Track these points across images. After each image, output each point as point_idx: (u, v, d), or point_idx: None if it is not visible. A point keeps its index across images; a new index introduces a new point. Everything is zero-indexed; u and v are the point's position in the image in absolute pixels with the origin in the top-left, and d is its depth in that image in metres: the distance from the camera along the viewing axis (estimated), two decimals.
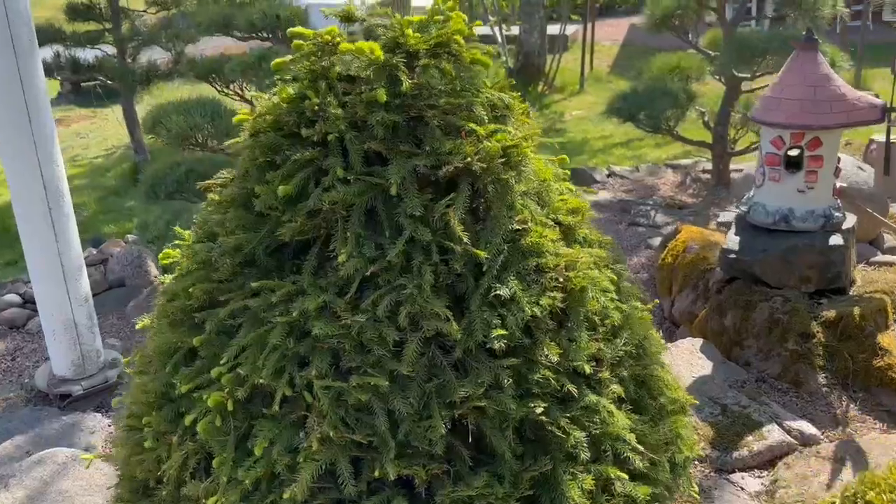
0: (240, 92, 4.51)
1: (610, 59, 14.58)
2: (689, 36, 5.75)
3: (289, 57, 1.88)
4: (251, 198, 1.77)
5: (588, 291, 1.78)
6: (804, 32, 3.27)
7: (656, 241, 5.01)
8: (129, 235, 5.34)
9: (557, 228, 1.89)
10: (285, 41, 4.48)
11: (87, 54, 8.38)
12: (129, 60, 8.40)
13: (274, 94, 1.83)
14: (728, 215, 5.34)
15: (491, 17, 12.97)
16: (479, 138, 1.74)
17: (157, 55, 8.55)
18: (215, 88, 4.59)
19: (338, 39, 1.77)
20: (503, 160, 1.75)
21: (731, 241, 3.40)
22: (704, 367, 3.16)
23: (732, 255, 3.33)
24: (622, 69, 13.44)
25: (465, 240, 1.63)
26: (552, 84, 12.14)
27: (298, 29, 1.81)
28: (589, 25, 12.73)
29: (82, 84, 11.18)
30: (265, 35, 4.48)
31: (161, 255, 2.03)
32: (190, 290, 1.79)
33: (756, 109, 3.37)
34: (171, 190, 4.39)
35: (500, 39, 12.46)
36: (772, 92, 3.27)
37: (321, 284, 1.66)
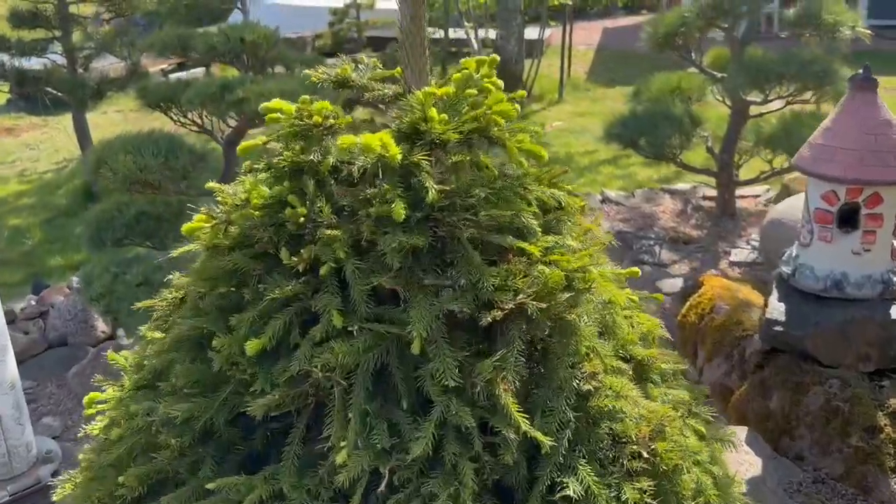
0: (199, 122, 3.94)
1: (586, 64, 14.19)
2: (692, 54, 5.30)
3: (259, 139, 1.36)
4: (206, 345, 1.25)
5: (682, 471, 1.29)
6: (860, 71, 2.82)
7: (665, 283, 4.56)
8: (74, 277, 4.73)
9: (629, 368, 1.39)
10: (252, 67, 3.93)
11: (35, 63, 7.71)
12: (81, 70, 7.74)
13: (242, 192, 1.31)
14: (740, 253, 4.91)
15: (466, 22, 12.48)
16: (532, 260, 1.24)
17: (111, 62, 7.91)
18: (170, 118, 4.01)
19: (331, 122, 1.25)
20: (566, 292, 1.25)
21: (775, 309, 2.95)
22: (753, 464, 2.71)
23: (778, 328, 2.89)
24: (599, 75, 13.07)
25: (524, 425, 1.12)
26: (531, 92, 11.70)
27: (275, 103, 1.29)
28: (567, 30, 12.28)
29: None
30: (228, 60, 3.91)
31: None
32: (121, 477, 1.25)
33: (802, 158, 2.92)
34: (118, 236, 3.81)
35: (475, 45, 11.97)
36: (823, 138, 2.83)
37: (308, 486, 1.14)
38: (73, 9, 7.73)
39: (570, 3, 11.56)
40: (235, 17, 6.69)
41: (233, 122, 3.71)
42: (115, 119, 10.86)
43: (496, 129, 1.27)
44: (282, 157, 1.25)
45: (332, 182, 1.25)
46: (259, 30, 3.71)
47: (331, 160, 1.24)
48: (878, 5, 12.44)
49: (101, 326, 4.09)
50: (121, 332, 4.23)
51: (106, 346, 4.27)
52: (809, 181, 2.92)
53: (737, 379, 3.13)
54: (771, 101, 4.92)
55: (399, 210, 1.13)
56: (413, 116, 1.22)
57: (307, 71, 1.44)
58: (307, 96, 1.39)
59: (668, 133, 5.08)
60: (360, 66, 1.50)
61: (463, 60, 1.42)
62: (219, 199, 1.34)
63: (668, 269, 4.83)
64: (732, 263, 4.74)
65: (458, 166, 1.22)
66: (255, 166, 1.33)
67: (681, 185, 6.26)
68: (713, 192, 5.96)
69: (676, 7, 5.34)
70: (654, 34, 5.28)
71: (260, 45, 3.74)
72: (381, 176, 1.18)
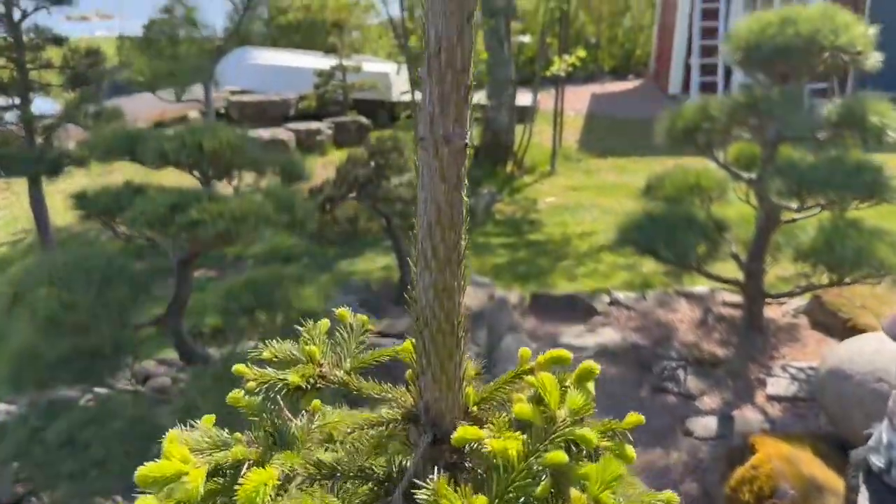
0: (151, 237, 3.28)
1: (576, 131, 13.79)
2: (714, 152, 4.75)
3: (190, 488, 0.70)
4: None
5: None
6: None
7: (696, 424, 3.91)
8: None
9: None
10: (209, 180, 3.27)
11: None
12: (41, 140, 7.11)
13: None
14: (778, 384, 4.27)
15: None
16: None
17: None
18: (113, 231, 3.34)
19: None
20: None
21: None
22: None
23: None
24: (591, 145, 12.69)
25: None
26: (522, 164, 11.20)
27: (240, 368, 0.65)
28: (559, 98, 11.85)
29: None
30: (185, 168, 3.26)
31: None
32: None
33: (892, 325, 2.33)
34: (43, 376, 3.11)
35: None
36: None
37: None
38: (34, 74, 7.14)
39: (564, 73, 11.14)
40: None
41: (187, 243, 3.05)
42: (81, 184, 10.15)
43: None
44: None
45: None
46: (223, 134, 3.06)
47: None
48: None
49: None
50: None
51: None
52: None
53: None
54: (808, 208, 4.36)
55: None
56: None
57: (239, 367, 0.80)
58: (237, 393, 0.76)
59: (690, 241, 4.49)
60: (342, 329, 0.87)
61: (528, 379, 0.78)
62: None
63: (696, 401, 4.17)
64: (771, 398, 4.10)
65: None
66: None
67: (698, 289, 5.66)
68: (734, 298, 5.37)
69: (698, 100, 4.80)
70: (671, 129, 4.74)
71: (222, 154, 3.10)
72: None
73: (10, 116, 7.21)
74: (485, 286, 5.80)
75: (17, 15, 6.74)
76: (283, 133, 11.34)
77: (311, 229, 3.42)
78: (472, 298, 5.38)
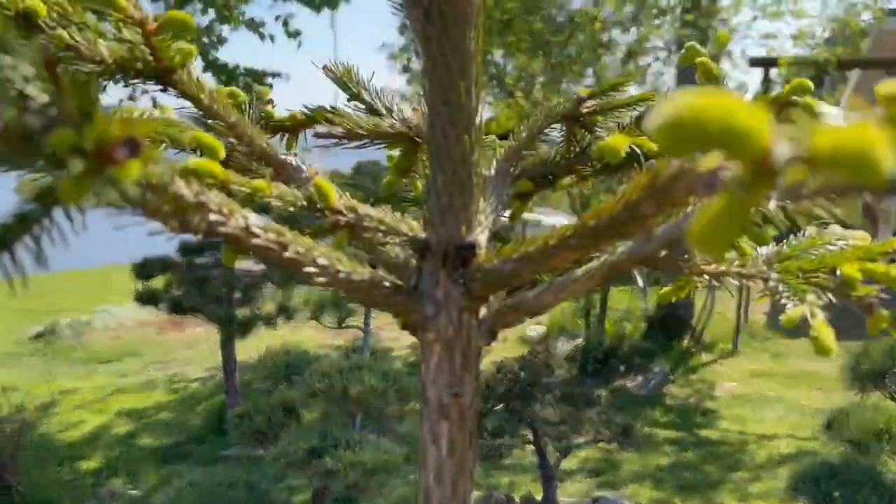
0: None
1: (767, 302, 12.89)
2: None
3: None
4: None
5: None
6: None
7: None
8: None
9: None
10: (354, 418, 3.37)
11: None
12: (239, 295, 7.91)
13: None
14: None
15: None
16: None
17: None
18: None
19: None
20: None
21: None
22: None
23: None
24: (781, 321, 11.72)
25: None
26: (700, 339, 10.58)
27: None
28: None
29: None
30: None
31: None
32: None
33: None
34: None
35: (639, 282, 11.19)
36: None
37: None
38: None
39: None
40: None
41: None
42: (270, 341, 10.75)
43: None
44: None
45: None
46: (368, 379, 3.17)
47: None
48: None
49: None
50: None
51: None
52: None
53: None
54: None
55: None
56: None
57: None
58: None
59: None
60: None
61: None
62: None
63: None
64: None
65: None
66: None
67: None
68: None
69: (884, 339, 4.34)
70: (855, 368, 4.30)
71: (364, 399, 3.20)
72: None
73: (216, 273, 8.10)
74: None
75: None
76: None
77: None
78: None
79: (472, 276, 0.46)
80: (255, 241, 0.41)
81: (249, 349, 8.56)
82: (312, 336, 9.95)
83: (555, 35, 9.42)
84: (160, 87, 0.50)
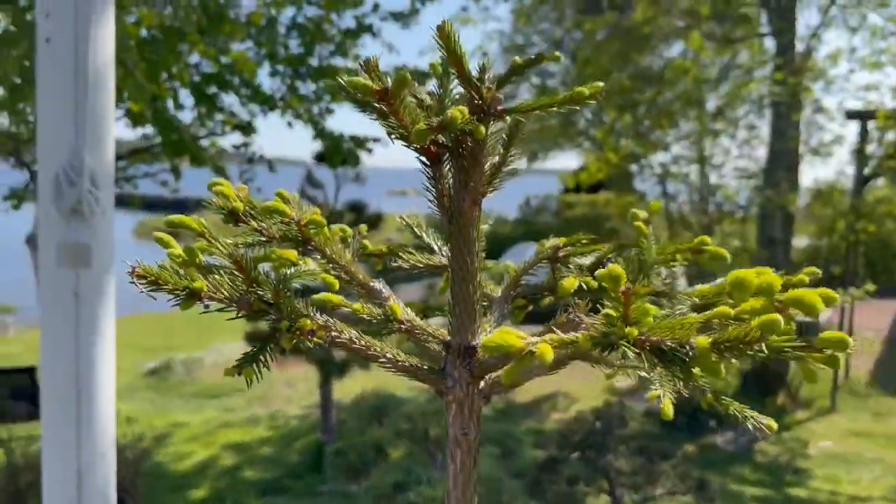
0: None
1: (871, 358, 12.42)
2: None
3: None
4: None
5: None
6: None
7: None
8: None
9: None
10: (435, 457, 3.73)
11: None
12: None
13: None
14: None
15: None
16: None
17: None
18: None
19: None
20: None
21: None
22: None
23: None
24: (888, 378, 11.29)
25: None
26: (797, 396, 10.35)
27: None
28: (848, 314, 10.79)
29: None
30: None
31: None
32: None
33: None
34: None
35: None
36: None
37: None
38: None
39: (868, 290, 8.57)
40: None
41: None
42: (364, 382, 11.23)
43: None
44: None
45: None
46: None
47: None
48: None
49: None
50: None
51: None
52: None
53: None
54: None
55: None
56: None
57: None
58: None
59: None
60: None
61: None
62: None
63: None
64: None
65: None
66: None
67: None
68: None
69: None
70: None
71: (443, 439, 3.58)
72: None
73: None
74: None
75: None
76: None
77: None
78: None
79: (474, 364, 0.80)
80: (354, 346, 0.78)
81: (346, 389, 9.05)
82: (404, 378, 10.36)
83: (642, 93, 9.68)
84: (303, 248, 0.88)
